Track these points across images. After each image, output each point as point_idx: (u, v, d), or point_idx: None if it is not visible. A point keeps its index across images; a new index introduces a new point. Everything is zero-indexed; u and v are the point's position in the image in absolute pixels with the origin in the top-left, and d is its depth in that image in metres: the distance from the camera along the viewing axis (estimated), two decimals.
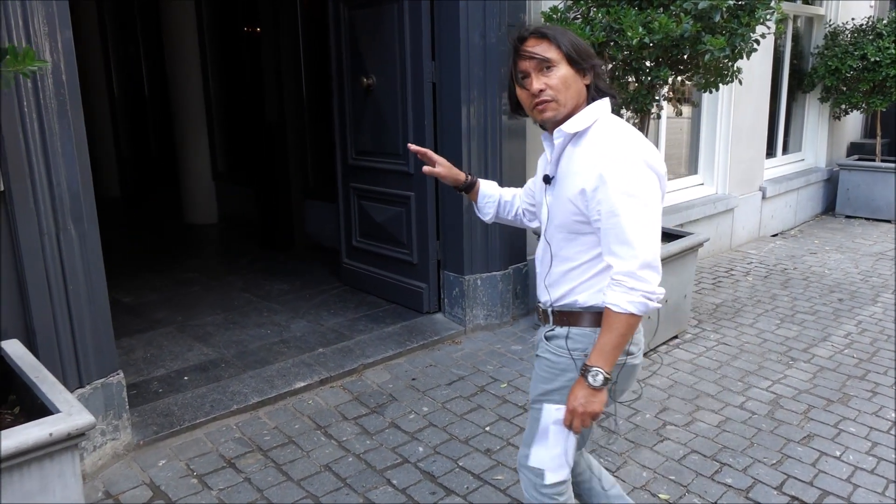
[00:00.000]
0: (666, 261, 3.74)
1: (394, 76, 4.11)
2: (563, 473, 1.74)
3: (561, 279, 1.72)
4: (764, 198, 6.50)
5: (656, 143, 5.49)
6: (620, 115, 3.92)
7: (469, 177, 2.00)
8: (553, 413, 1.70)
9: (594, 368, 1.59)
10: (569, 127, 1.64)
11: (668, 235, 4.09)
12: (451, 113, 3.92)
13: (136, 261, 5.69)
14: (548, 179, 1.73)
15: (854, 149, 8.02)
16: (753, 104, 6.08)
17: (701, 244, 4.04)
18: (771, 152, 7.00)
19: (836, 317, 4.47)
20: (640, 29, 3.12)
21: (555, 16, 3.59)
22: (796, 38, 7.24)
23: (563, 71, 1.61)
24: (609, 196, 1.55)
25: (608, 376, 1.59)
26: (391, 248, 4.42)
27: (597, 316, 1.67)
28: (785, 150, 7.44)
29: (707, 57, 3.17)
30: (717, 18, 3.14)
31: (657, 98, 3.59)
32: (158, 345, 3.86)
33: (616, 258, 1.57)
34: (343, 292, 4.71)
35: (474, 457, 2.84)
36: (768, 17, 3.28)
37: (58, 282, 2.49)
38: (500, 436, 3.00)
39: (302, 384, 3.37)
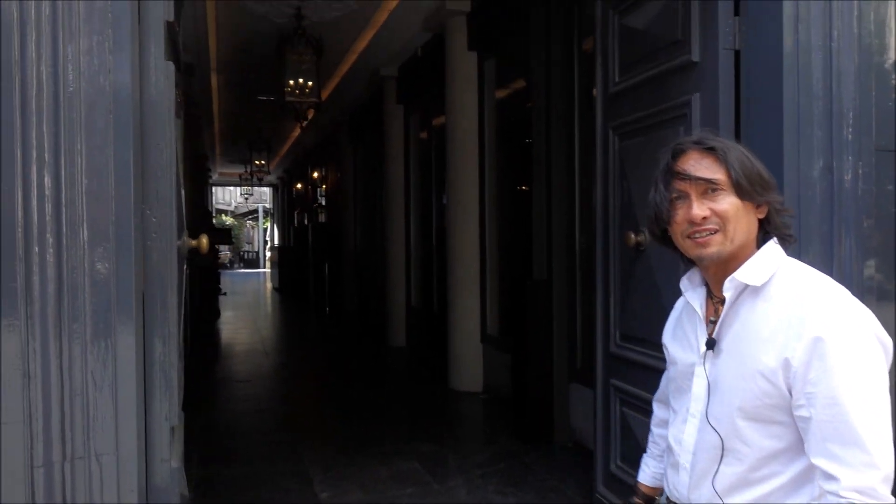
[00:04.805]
0: None
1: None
2: None
3: (741, 484, 1.24)
4: None
5: None
6: None
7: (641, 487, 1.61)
8: None
9: None
10: (748, 277, 1.26)
11: None
12: None
13: (370, 434, 4.90)
14: (711, 344, 1.30)
15: None
16: None
17: None
18: None
19: None
20: None
21: None
22: None
23: (733, 197, 1.26)
24: (829, 376, 1.13)
25: None
26: None
27: None
28: None
29: None
30: None
31: None
32: None
33: (840, 465, 1.12)
34: None
35: None
36: None
37: None
38: None
39: None
